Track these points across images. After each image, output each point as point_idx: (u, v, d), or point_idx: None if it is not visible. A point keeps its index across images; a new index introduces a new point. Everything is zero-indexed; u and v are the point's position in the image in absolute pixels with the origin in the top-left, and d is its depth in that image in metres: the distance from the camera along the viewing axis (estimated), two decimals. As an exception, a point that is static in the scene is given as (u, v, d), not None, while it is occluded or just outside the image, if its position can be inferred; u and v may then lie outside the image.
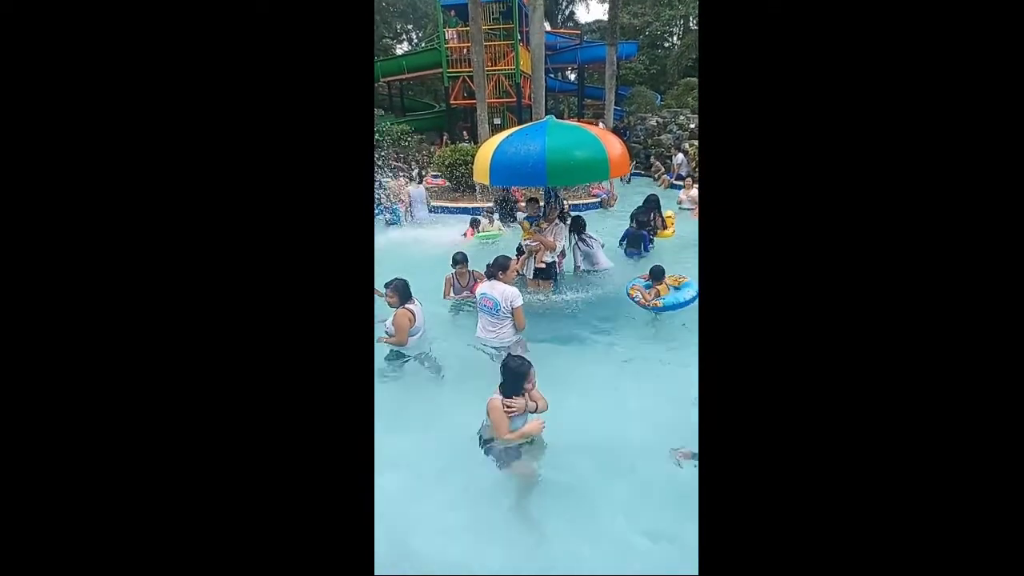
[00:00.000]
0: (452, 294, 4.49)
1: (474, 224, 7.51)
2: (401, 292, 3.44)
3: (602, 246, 5.27)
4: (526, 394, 2.42)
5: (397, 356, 3.49)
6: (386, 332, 3.43)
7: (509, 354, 2.66)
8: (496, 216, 7.62)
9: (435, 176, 11.40)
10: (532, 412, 2.49)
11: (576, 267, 5.20)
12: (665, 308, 4.24)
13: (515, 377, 2.41)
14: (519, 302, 3.46)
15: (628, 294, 4.44)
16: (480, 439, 2.52)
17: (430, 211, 8.84)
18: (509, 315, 3.50)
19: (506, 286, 3.51)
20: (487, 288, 3.55)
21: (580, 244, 5.16)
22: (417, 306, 3.50)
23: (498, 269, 3.58)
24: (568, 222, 5.09)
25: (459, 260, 4.40)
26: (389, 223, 8.20)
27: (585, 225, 5.21)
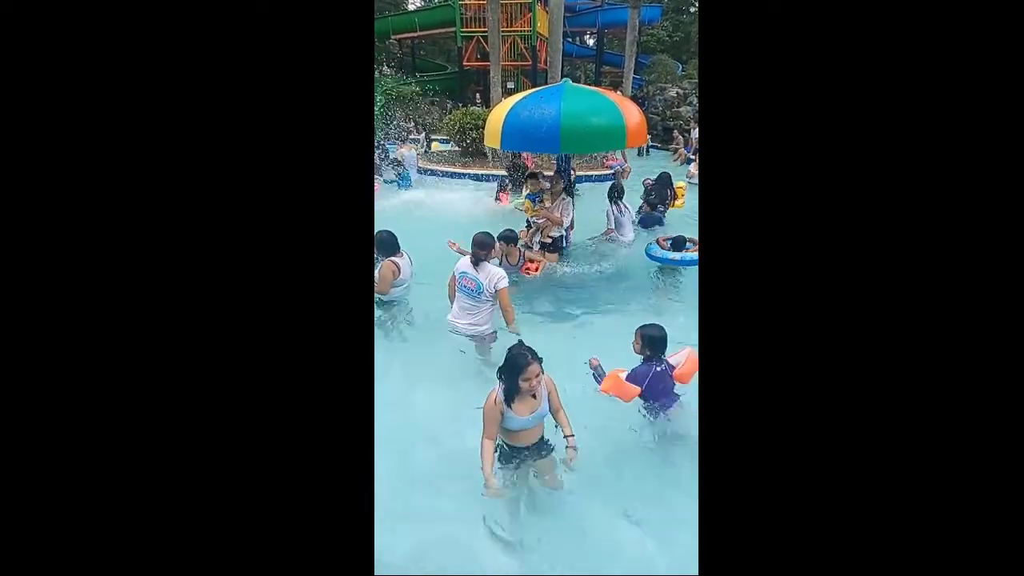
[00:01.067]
0: None
1: (503, 188, 7.29)
2: (386, 243, 3.45)
3: (632, 221, 5.50)
4: (527, 384, 2.13)
5: (378, 304, 3.50)
6: None
7: (520, 341, 2.37)
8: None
9: (443, 141, 11.18)
10: (538, 412, 2.25)
11: (608, 230, 5.37)
12: (673, 261, 4.58)
13: (510, 368, 2.14)
14: (504, 283, 3.18)
15: (649, 252, 4.68)
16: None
17: (419, 172, 9.07)
18: (491, 298, 3.21)
19: (491, 266, 3.25)
20: (469, 267, 3.25)
21: (614, 210, 5.34)
22: (404, 259, 3.52)
23: (482, 249, 3.27)
24: (575, 196, 5.13)
25: (508, 238, 4.19)
26: (401, 186, 8.21)
27: (623, 192, 5.41)
